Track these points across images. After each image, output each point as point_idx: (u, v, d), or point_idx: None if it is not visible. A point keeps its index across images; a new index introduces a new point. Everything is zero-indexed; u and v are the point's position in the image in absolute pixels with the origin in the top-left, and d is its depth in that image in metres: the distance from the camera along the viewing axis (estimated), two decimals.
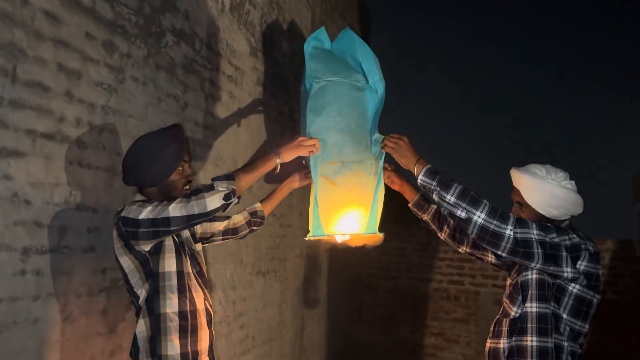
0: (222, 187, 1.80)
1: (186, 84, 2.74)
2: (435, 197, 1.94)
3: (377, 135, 2.27)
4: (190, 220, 1.75)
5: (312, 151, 2.11)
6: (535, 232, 1.84)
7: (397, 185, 2.40)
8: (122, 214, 1.75)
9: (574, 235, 1.89)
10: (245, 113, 3.38)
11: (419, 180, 1.98)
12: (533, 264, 1.85)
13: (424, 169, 1.96)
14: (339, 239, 2.29)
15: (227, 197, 1.79)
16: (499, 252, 1.88)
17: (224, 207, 1.80)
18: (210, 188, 1.79)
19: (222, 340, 3.19)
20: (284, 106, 4.01)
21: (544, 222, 1.96)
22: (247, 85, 3.40)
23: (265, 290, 3.76)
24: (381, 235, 2.23)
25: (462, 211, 1.87)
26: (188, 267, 1.88)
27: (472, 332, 6.01)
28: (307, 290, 4.64)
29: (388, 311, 6.35)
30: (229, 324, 3.26)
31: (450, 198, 1.88)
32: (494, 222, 1.83)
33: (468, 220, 1.87)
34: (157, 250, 1.79)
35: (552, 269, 1.84)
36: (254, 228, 2.42)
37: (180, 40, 2.66)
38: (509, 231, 1.82)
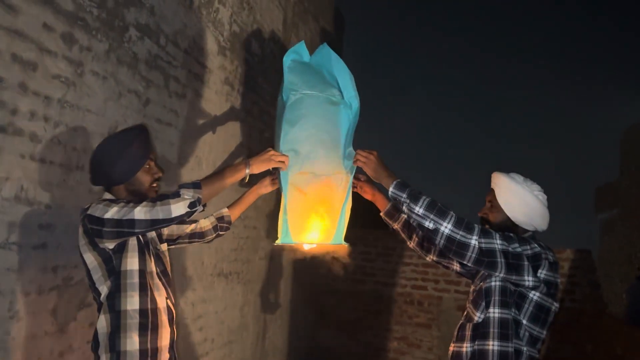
0: (188, 195, 1.84)
1: (149, 80, 2.69)
2: (405, 208, 2.02)
3: (350, 150, 2.34)
4: (154, 225, 1.79)
5: (280, 167, 2.18)
6: (498, 242, 1.92)
7: (369, 195, 2.47)
8: (88, 212, 1.78)
9: (535, 245, 1.96)
10: (211, 112, 3.34)
11: (390, 193, 2.06)
12: (496, 273, 1.92)
13: (394, 183, 2.05)
14: (306, 247, 2.35)
15: (192, 205, 1.83)
16: (465, 262, 1.95)
17: (188, 215, 1.84)
18: (176, 195, 1.83)
19: (180, 342, 3.13)
20: (252, 106, 3.98)
21: (507, 231, 2.04)
22: (214, 84, 3.36)
23: (226, 292, 3.72)
24: (347, 245, 2.32)
25: (429, 222, 1.95)
26: (151, 266, 1.91)
27: (434, 337, 6.07)
28: (271, 293, 4.61)
29: (352, 315, 6.36)
30: (187, 326, 3.21)
31: (419, 210, 1.96)
32: (460, 232, 1.91)
33: (435, 230, 1.94)
34: (121, 249, 1.82)
35: (514, 277, 1.92)
36: (221, 233, 2.44)
37: (144, 35, 2.61)
38: (474, 241, 1.90)
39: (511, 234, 2.00)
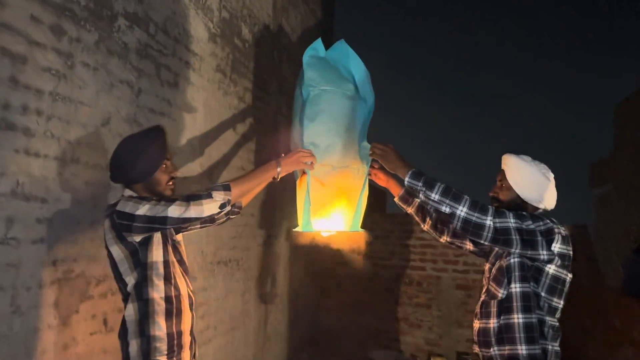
0: (219, 197, 1.98)
1: (140, 69, 2.66)
2: (421, 196, 2.16)
3: (364, 143, 2.47)
4: (184, 222, 1.94)
5: (308, 168, 2.30)
6: (512, 220, 2.04)
7: (384, 182, 2.59)
8: (118, 208, 1.89)
9: (548, 221, 2.08)
10: (203, 100, 3.32)
11: (406, 182, 2.20)
12: (513, 249, 2.04)
13: (410, 172, 2.18)
14: (325, 235, 2.47)
15: (222, 206, 1.99)
16: (482, 241, 2.07)
17: (217, 214, 2.01)
18: (208, 196, 1.97)
19: None
20: (245, 93, 3.96)
21: (517, 209, 2.16)
22: (205, 71, 3.33)
23: (227, 279, 3.73)
24: (364, 232, 2.47)
25: (446, 207, 2.09)
26: (172, 256, 2.02)
27: (434, 316, 6.13)
28: (271, 279, 4.63)
29: (352, 298, 6.41)
30: None
31: (435, 196, 2.11)
32: (475, 214, 2.05)
33: (452, 214, 2.08)
34: (146, 242, 1.94)
35: (530, 252, 2.03)
36: (231, 217, 2.49)
37: (133, 24, 2.58)
38: (489, 221, 2.03)
39: (524, 213, 2.11)
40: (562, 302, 2.09)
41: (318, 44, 2.56)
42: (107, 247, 1.95)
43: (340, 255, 6.51)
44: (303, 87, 2.40)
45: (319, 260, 6.50)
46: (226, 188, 2.02)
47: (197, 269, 3.30)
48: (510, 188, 2.20)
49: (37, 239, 2.05)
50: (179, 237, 2.17)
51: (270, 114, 4.50)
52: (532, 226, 2.05)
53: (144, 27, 2.67)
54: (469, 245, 2.39)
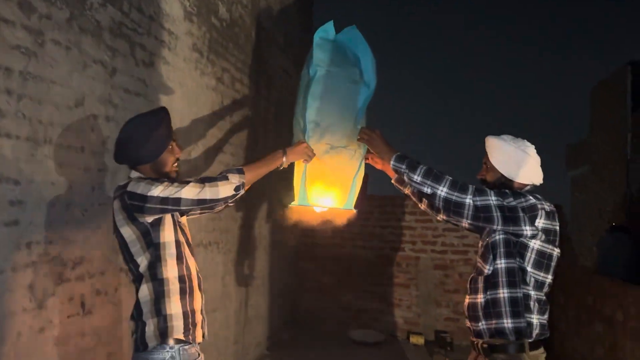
0: (235, 179, 2.01)
1: (114, 49, 2.61)
2: (405, 178, 2.24)
3: (360, 126, 2.53)
4: (199, 204, 1.96)
5: (307, 159, 2.39)
6: (493, 198, 2.09)
7: (380, 165, 2.62)
8: (129, 189, 1.88)
9: (530, 197, 2.12)
10: (180, 80, 3.27)
11: (391, 165, 2.28)
12: (495, 226, 2.09)
13: (395, 156, 2.26)
14: (318, 210, 2.54)
15: (237, 189, 2.01)
16: (464, 219, 2.14)
17: (232, 197, 2.03)
18: (223, 178, 1.99)
19: None
20: (223, 74, 3.91)
21: (503, 188, 2.21)
22: (181, 50, 3.28)
23: (207, 262, 3.72)
24: (355, 211, 2.54)
25: (427, 188, 2.16)
26: (181, 237, 2.03)
27: (413, 295, 6.22)
28: (251, 261, 4.64)
29: (333, 279, 6.46)
30: None
31: (417, 178, 2.18)
32: (455, 193, 2.11)
33: (433, 194, 2.15)
34: (158, 223, 1.93)
35: (512, 228, 2.08)
36: (230, 204, 2.45)
37: (106, 2, 2.52)
38: (468, 200, 2.09)
39: (506, 190, 2.16)
40: (549, 276, 2.14)
41: (329, 26, 2.61)
42: (116, 229, 1.95)
43: (321, 236, 6.55)
44: (311, 66, 2.44)
45: (299, 242, 6.52)
46: (240, 172, 2.05)
47: None
48: (493, 168, 2.25)
49: (9, 222, 2.02)
50: (184, 219, 2.15)
51: (249, 95, 4.46)
52: (514, 203, 2.09)
53: (118, 5, 2.61)
54: (465, 223, 2.35)
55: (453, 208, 2.13)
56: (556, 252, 2.15)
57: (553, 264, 2.14)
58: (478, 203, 2.09)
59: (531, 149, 2.24)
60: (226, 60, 3.96)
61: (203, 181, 1.95)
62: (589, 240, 10.28)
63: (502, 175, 2.24)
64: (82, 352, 2.44)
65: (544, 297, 2.15)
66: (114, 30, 2.59)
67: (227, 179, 1.99)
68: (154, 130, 1.99)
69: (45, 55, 2.16)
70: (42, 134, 2.17)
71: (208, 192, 1.94)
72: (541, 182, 2.26)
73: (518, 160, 2.20)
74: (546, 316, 2.14)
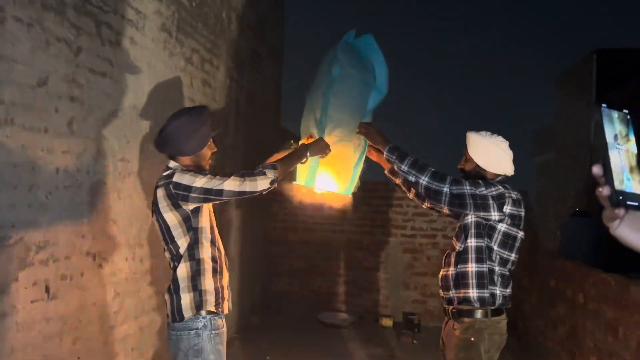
0: (271, 174, 2.22)
1: (79, 27, 2.52)
2: (395, 167, 2.53)
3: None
4: (239, 195, 2.19)
5: (324, 155, 2.57)
6: (468, 187, 2.38)
7: (375, 157, 2.86)
8: (175, 180, 2.11)
9: (500, 187, 2.41)
10: (148, 61, 3.19)
11: (384, 156, 2.56)
12: (467, 212, 2.41)
13: (388, 147, 2.53)
14: (320, 192, 2.78)
15: (272, 182, 2.23)
16: (441, 205, 2.44)
17: (267, 190, 2.24)
18: (261, 173, 2.21)
19: (129, 298, 3.11)
20: (192, 54, 3.83)
21: (479, 177, 2.50)
22: (149, 30, 3.20)
23: None
24: (350, 196, 2.82)
25: (412, 177, 2.44)
26: (213, 222, 2.30)
27: (382, 279, 6.31)
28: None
29: (303, 263, 6.49)
30: (137, 281, 3.18)
31: (404, 167, 2.46)
32: (435, 182, 2.39)
33: (417, 182, 2.44)
34: (197, 210, 2.17)
35: (482, 214, 2.39)
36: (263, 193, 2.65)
37: None
38: (446, 188, 2.38)
39: (479, 180, 2.44)
40: (513, 254, 2.45)
41: (351, 34, 2.88)
42: (158, 214, 2.16)
43: (292, 221, 6.56)
44: (334, 66, 2.66)
45: (270, 227, 6.52)
46: (274, 167, 2.26)
47: (144, 235, 3.24)
48: (471, 159, 2.54)
49: None
50: (210, 206, 2.32)
51: (220, 77, 4.39)
52: (485, 191, 2.38)
53: None
54: (445, 210, 2.61)
55: (433, 195, 2.42)
56: (520, 234, 2.45)
57: (517, 244, 2.45)
58: (454, 191, 2.37)
59: (504, 145, 2.50)
60: (195, 41, 3.89)
61: (243, 175, 2.17)
62: (553, 224, 10.56)
63: (478, 165, 2.52)
64: (46, 338, 2.40)
65: (507, 273, 2.46)
66: (78, 7, 2.50)
67: (264, 174, 2.21)
68: (201, 127, 2.22)
69: (6, 33, 2.08)
70: (3, 114, 2.09)
71: (248, 185, 2.16)
72: (512, 173, 2.53)
73: (492, 154, 2.48)
74: (509, 290, 2.46)
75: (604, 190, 0.87)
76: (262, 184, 2.20)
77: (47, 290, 2.39)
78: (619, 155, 0.90)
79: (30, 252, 2.28)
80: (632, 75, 9.13)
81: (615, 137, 0.92)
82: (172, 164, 2.22)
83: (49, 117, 2.37)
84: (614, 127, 0.91)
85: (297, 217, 6.58)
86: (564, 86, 11.18)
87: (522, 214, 2.44)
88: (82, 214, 2.64)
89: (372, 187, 6.32)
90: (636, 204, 0.87)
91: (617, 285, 3.02)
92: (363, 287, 6.35)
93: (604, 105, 0.92)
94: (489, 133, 2.54)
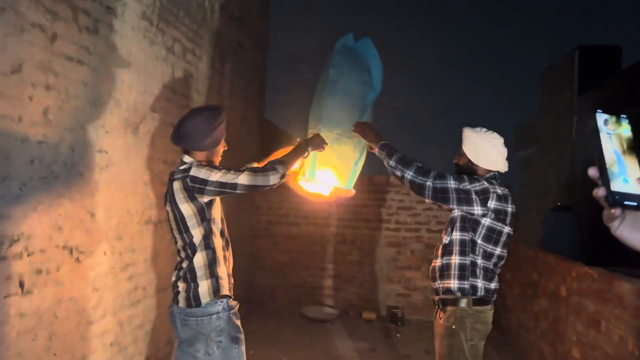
0: (280, 170, 2.36)
1: (54, 12, 2.43)
2: (385, 163, 2.62)
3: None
4: (251, 190, 2.31)
5: (322, 149, 2.73)
6: (452, 182, 2.43)
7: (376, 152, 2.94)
8: (191, 173, 2.22)
9: (484, 182, 2.45)
10: (127, 49, 3.11)
11: (376, 152, 2.68)
12: (450, 206, 2.46)
13: (379, 144, 2.65)
14: (323, 187, 2.90)
15: (282, 177, 2.37)
16: (425, 198, 2.49)
17: (277, 184, 2.37)
18: (272, 168, 2.34)
19: (108, 293, 3.04)
20: (174, 44, 3.75)
21: (471, 171, 2.56)
22: (129, 18, 3.11)
23: (157, 240, 3.61)
24: (353, 191, 2.93)
25: (399, 171, 2.53)
26: (222, 214, 2.43)
27: (366, 272, 6.30)
28: None
29: (287, 257, 6.45)
30: (116, 275, 3.10)
31: (392, 163, 2.55)
32: (419, 177, 2.47)
33: (402, 177, 2.52)
34: (211, 202, 2.29)
35: (465, 208, 2.44)
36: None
37: None
38: (429, 182, 2.45)
39: (463, 175, 2.50)
40: (498, 248, 2.48)
41: (349, 36, 3.05)
42: (174, 204, 2.26)
43: (276, 214, 6.50)
44: (330, 67, 2.86)
45: (255, 220, 6.46)
46: (282, 163, 2.41)
47: (123, 228, 3.17)
48: (463, 154, 2.61)
49: None
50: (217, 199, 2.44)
51: (202, 67, 4.31)
52: (468, 186, 2.42)
53: None
54: (445, 205, 2.70)
55: (417, 189, 2.49)
56: (506, 229, 2.48)
57: (503, 238, 2.48)
58: (437, 185, 2.43)
59: (497, 141, 2.56)
60: (177, 30, 3.80)
61: (255, 171, 2.31)
62: (535, 218, 10.67)
63: (470, 161, 2.59)
64: (20, 334, 2.32)
65: (491, 267, 2.49)
66: None
67: (275, 169, 2.34)
68: (218, 126, 2.35)
69: None
70: None
71: (260, 180, 2.29)
72: (505, 170, 2.58)
73: (483, 150, 2.54)
74: (494, 284, 2.50)
75: (599, 192, 0.86)
76: (273, 178, 2.33)
77: (22, 284, 2.32)
78: (610, 141, 0.88)
79: (3, 245, 2.21)
80: (612, 71, 9.25)
81: (606, 121, 0.90)
82: (186, 158, 2.32)
83: (23, 106, 2.28)
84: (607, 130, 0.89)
85: (281, 210, 6.54)
86: (547, 81, 11.28)
87: (509, 209, 2.47)
88: (59, 207, 2.56)
89: (357, 181, 6.29)
90: (634, 204, 0.85)
91: (599, 279, 3.03)
92: (347, 281, 6.34)
93: (599, 110, 0.90)
94: (484, 129, 2.61)
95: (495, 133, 2.60)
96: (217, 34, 4.61)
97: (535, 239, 8.42)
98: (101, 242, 2.93)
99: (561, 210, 6.52)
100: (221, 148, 2.46)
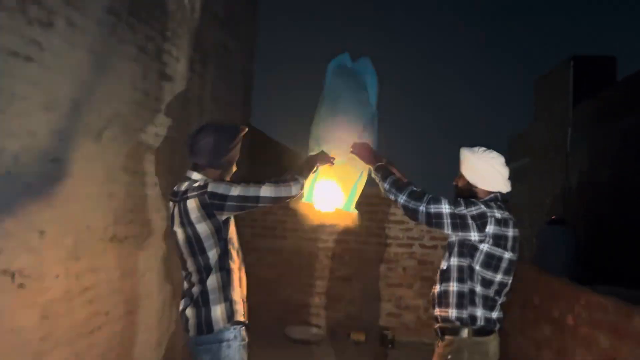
0: (301, 180, 2.35)
1: None
2: (380, 186, 2.59)
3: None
4: (275, 201, 2.28)
5: (331, 164, 2.73)
6: (446, 207, 2.33)
7: None
8: (210, 189, 2.15)
9: (481, 206, 2.32)
10: (90, 46, 2.76)
11: (372, 174, 2.67)
12: (445, 231, 2.36)
13: (375, 166, 2.64)
14: (323, 209, 2.88)
15: (302, 187, 2.36)
16: (418, 222, 2.42)
17: (297, 195, 2.36)
18: (293, 179, 2.33)
19: (61, 321, 2.67)
20: (147, 42, 3.41)
21: (470, 193, 2.46)
22: (93, 11, 2.77)
23: (122, 258, 3.25)
24: (355, 212, 2.91)
25: (392, 195, 2.49)
26: (235, 232, 2.35)
27: (355, 289, 5.94)
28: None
29: (272, 272, 6.08)
30: (71, 300, 2.73)
31: (386, 186, 2.52)
32: (412, 202, 2.40)
33: (396, 201, 2.47)
34: (227, 220, 2.23)
35: (460, 233, 2.33)
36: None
37: None
38: (422, 207, 2.36)
39: (459, 199, 2.39)
40: (498, 275, 2.32)
41: (345, 57, 3.06)
42: (189, 225, 2.16)
43: (262, 227, 6.15)
44: (325, 89, 2.90)
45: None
46: (300, 174, 2.39)
47: (81, 247, 2.80)
48: (462, 176, 2.52)
49: None
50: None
51: (180, 69, 3.98)
52: (464, 211, 2.31)
53: None
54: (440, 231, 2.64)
55: (410, 213, 2.42)
56: (507, 255, 2.31)
57: (503, 265, 2.31)
58: (431, 210, 2.35)
59: (496, 161, 2.45)
60: (152, 28, 3.46)
61: (276, 182, 2.27)
62: (527, 231, 10.40)
63: (469, 182, 2.49)
64: None
65: (492, 294, 2.34)
66: None
67: (296, 179, 2.33)
68: (236, 145, 2.35)
69: None
70: None
71: (283, 191, 2.26)
72: (507, 190, 2.45)
73: (482, 171, 2.44)
74: (495, 313, 2.36)
75: None
76: (295, 188, 2.30)
77: None
78: None
79: None
80: (607, 81, 9.05)
81: None
82: (195, 175, 2.25)
83: None
84: None
85: (265, 222, 6.19)
86: (541, 91, 11.06)
87: (509, 234, 2.31)
88: None
89: None
90: None
91: (615, 312, 2.72)
92: (335, 299, 5.98)
93: None
94: (482, 149, 2.52)
95: (494, 152, 2.50)
96: (197, 34, 4.28)
97: (529, 252, 8.13)
98: (52, 265, 2.57)
99: (556, 223, 6.27)
100: (233, 168, 2.41)
